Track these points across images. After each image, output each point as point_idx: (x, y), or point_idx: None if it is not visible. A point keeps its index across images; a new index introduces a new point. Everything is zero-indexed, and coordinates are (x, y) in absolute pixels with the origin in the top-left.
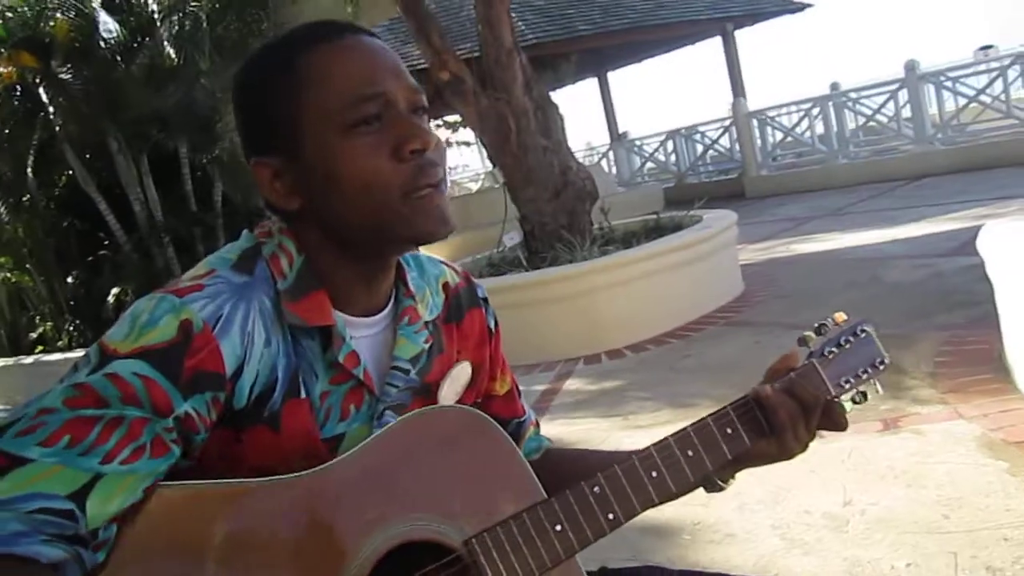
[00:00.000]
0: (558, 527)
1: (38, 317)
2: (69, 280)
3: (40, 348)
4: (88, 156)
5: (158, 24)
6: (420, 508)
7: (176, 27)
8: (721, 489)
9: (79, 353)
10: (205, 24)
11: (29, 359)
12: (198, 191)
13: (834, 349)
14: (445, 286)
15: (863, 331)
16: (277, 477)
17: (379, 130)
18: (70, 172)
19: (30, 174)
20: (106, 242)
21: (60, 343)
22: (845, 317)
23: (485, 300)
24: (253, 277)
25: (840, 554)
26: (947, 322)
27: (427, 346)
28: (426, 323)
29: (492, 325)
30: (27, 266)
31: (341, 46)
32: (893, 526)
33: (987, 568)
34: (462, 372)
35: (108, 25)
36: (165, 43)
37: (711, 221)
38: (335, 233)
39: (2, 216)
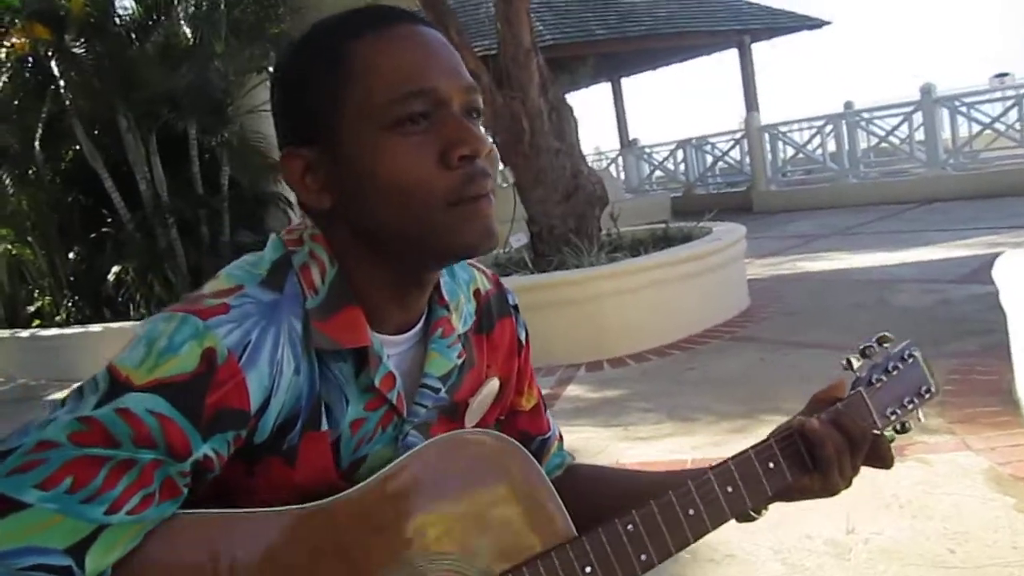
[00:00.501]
0: (588, 569)
1: (37, 291)
2: (70, 256)
3: (37, 322)
4: (96, 132)
5: (175, 3)
6: (442, 544)
7: (193, 7)
8: (753, 520)
9: (77, 329)
10: (223, 6)
11: (26, 333)
12: (205, 173)
13: (882, 377)
14: (476, 293)
15: (911, 356)
16: (289, 507)
17: (426, 131)
18: (77, 147)
19: (37, 147)
20: (109, 219)
21: (58, 318)
22: (892, 338)
23: (516, 308)
24: (283, 295)
25: None
26: (956, 350)
27: (460, 361)
28: (459, 336)
29: (523, 337)
30: (29, 239)
31: (392, 35)
32: (897, 557)
33: None
34: (490, 388)
35: (124, 1)
36: (181, 22)
37: (721, 234)
38: (369, 240)
39: (7, 188)
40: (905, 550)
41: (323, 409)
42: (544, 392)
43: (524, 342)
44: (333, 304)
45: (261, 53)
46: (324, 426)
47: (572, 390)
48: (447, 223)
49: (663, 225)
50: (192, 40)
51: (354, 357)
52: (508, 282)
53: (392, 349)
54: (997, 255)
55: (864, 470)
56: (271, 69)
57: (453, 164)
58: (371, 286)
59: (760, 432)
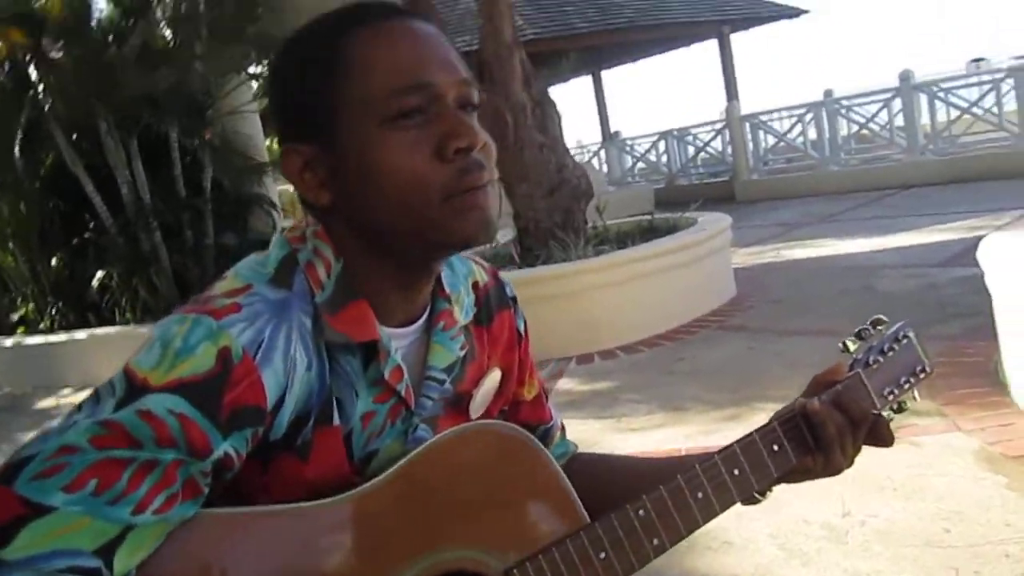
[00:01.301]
0: (602, 555)
1: (20, 298)
2: (53, 262)
3: (21, 329)
4: (76, 137)
5: (152, 4)
6: (458, 536)
7: (171, 8)
8: (757, 502)
9: (62, 336)
10: (201, 7)
11: (9, 341)
12: (188, 175)
13: (879, 358)
14: (475, 285)
15: (905, 337)
16: (306, 504)
17: (422, 125)
18: (57, 152)
19: (17, 153)
20: (91, 224)
21: (42, 325)
22: (886, 320)
23: (514, 300)
24: (292, 292)
25: (839, 565)
26: (942, 333)
27: (463, 353)
28: (461, 328)
29: (522, 328)
30: (10, 245)
31: (387, 30)
32: (893, 539)
33: None
34: (492, 379)
35: (100, 3)
36: (160, 24)
37: (706, 224)
38: (369, 234)
39: None
40: (901, 531)
41: (334, 403)
42: None
43: (523, 333)
44: (341, 299)
45: (241, 53)
46: (336, 421)
47: (564, 383)
48: (444, 216)
49: (648, 217)
50: (171, 42)
51: (363, 351)
52: None
53: (398, 342)
54: (979, 238)
55: (862, 459)
56: (251, 70)
57: (448, 157)
58: (375, 279)
59: (752, 419)
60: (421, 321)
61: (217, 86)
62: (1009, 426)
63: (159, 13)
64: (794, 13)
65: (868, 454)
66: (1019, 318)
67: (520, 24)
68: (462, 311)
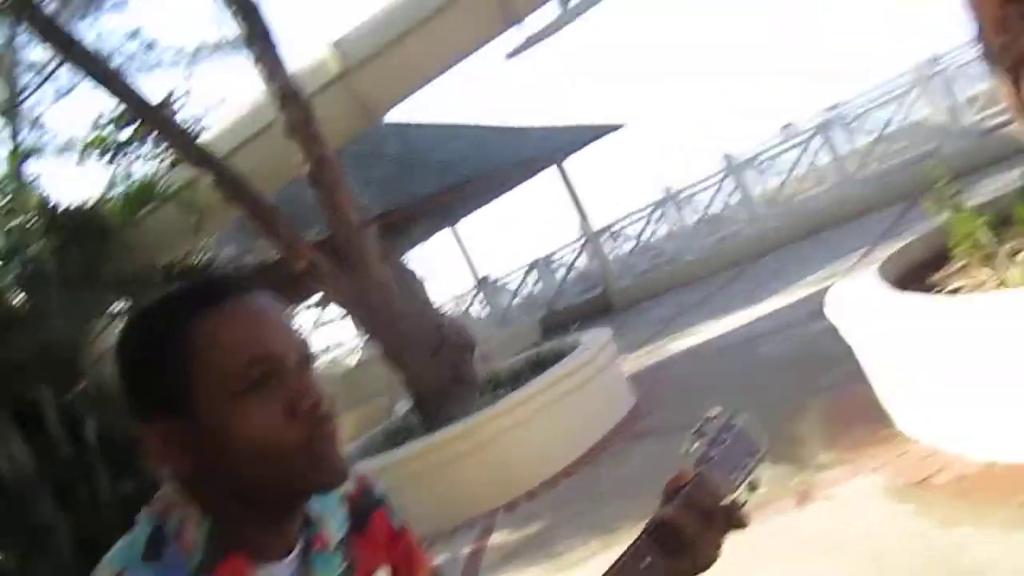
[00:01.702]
0: None
1: None
2: None
3: None
4: None
5: None
6: None
7: (16, 271)
8: None
9: None
10: (49, 265)
11: None
12: (69, 431)
13: (716, 451)
14: (344, 498)
15: (733, 424)
16: None
17: (270, 391)
18: None
19: None
20: None
21: None
22: (718, 411)
23: (384, 498)
24: (164, 564)
25: None
26: (828, 383)
27: (344, 566)
28: (339, 542)
29: (397, 523)
30: None
31: (225, 311)
32: None
33: None
34: None
35: None
36: (10, 289)
37: (588, 343)
38: (235, 491)
39: None
40: None
41: None
42: (469, 548)
43: (401, 528)
44: (212, 558)
45: (100, 297)
46: None
47: (496, 538)
48: (303, 467)
49: (535, 351)
50: (26, 304)
51: None
52: (405, 452)
53: (280, 574)
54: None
55: (780, 524)
56: (113, 310)
57: (298, 416)
58: (247, 527)
59: None
60: (299, 548)
61: (82, 335)
62: (903, 455)
63: (7, 278)
64: (613, 129)
65: (791, 521)
66: (876, 355)
67: (364, 204)
68: (337, 526)
